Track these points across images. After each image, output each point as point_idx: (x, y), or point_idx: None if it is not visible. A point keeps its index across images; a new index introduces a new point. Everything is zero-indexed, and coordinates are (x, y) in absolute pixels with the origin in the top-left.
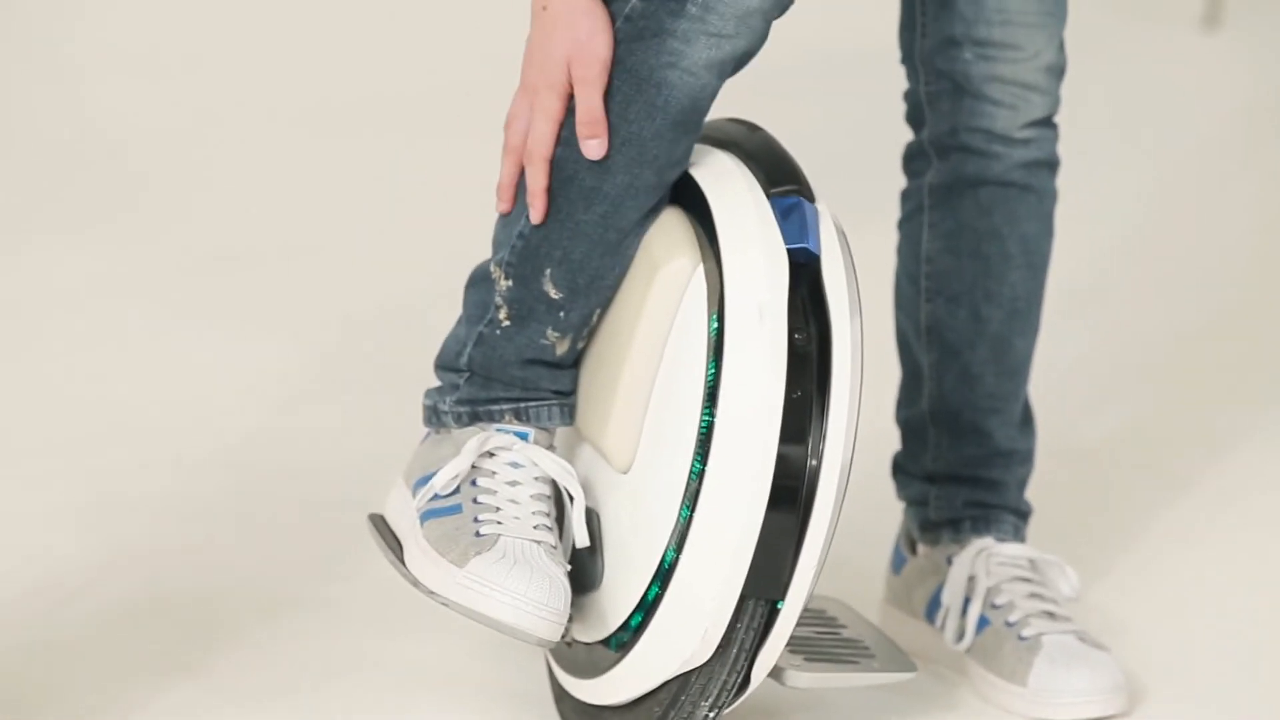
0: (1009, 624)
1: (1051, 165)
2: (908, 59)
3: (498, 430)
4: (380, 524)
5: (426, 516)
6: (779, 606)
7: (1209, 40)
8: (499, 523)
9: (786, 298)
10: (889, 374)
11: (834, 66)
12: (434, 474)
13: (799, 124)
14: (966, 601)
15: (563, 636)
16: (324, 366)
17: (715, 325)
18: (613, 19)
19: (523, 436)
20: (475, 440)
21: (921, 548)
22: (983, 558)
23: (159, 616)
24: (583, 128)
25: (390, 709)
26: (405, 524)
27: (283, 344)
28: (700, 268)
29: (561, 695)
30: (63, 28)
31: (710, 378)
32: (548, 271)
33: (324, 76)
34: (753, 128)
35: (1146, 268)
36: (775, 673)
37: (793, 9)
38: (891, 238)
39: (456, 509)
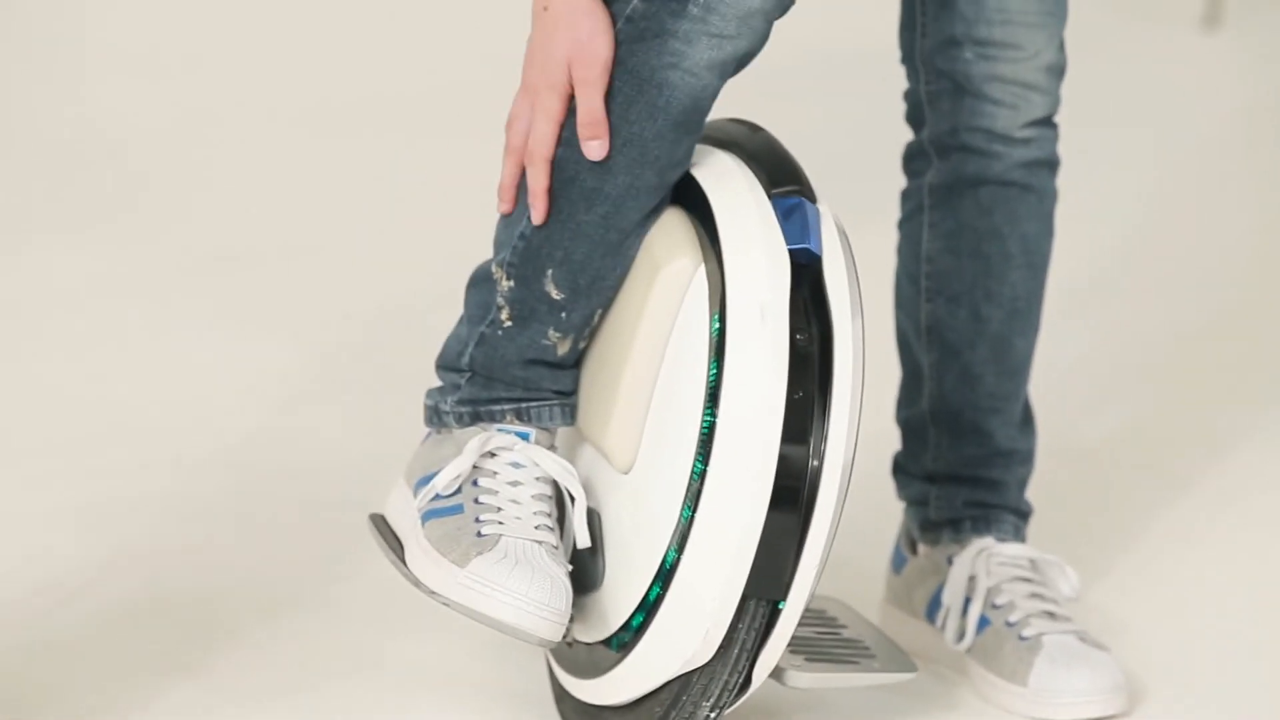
0: (1009, 624)
1: (1052, 165)
2: (908, 59)
3: (499, 430)
4: (381, 524)
5: (428, 516)
6: (780, 607)
7: (1209, 40)
8: (500, 523)
9: (788, 298)
10: (889, 374)
11: (834, 66)
12: (435, 474)
13: (800, 124)
14: (967, 601)
15: (564, 637)
16: (324, 366)
17: (717, 325)
18: (614, 20)
19: (524, 437)
20: (477, 440)
21: (922, 548)
22: (983, 558)
23: (159, 616)
24: (584, 128)
25: (390, 709)
26: (406, 524)
27: (283, 344)
28: (702, 268)
29: (562, 695)
30: (63, 28)
31: (712, 378)
32: (549, 272)
33: (324, 76)
34: (754, 128)
35: (1146, 268)
36: (776, 673)
37: (793, 9)
38: (891, 238)
39: (458, 509)
